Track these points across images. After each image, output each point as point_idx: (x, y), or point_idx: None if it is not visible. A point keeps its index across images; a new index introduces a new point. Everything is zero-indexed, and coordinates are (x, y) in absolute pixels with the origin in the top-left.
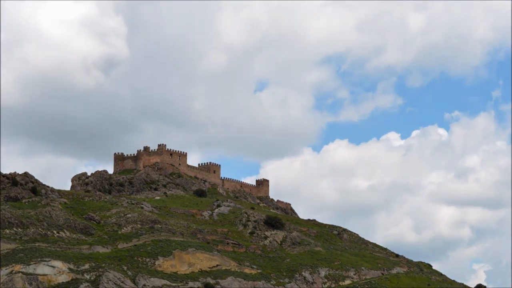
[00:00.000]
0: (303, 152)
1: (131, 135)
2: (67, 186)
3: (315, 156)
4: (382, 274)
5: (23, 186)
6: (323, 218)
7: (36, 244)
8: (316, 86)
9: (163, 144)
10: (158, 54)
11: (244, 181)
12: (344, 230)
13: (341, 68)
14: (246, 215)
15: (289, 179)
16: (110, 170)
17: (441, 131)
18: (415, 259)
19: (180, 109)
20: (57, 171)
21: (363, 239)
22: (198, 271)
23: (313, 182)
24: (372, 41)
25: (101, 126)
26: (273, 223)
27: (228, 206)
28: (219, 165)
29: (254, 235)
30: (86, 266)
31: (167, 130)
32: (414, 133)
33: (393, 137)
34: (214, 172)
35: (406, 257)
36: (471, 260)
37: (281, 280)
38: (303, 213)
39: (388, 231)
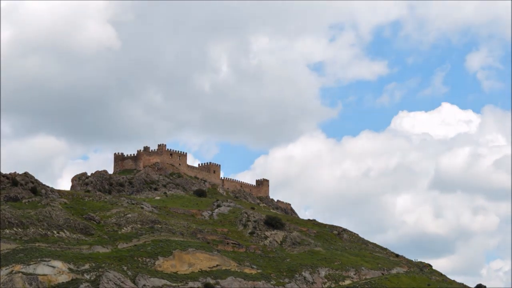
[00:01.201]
0: (317, 136)
1: (128, 103)
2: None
3: (330, 142)
4: (382, 274)
5: (23, 186)
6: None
7: (36, 244)
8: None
9: (163, 144)
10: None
11: (244, 181)
12: (344, 230)
13: (383, 45)
14: (246, 215)
15: (297, 164)
16: (107, 161)
17: (474, 116)
18: (433, 249)
19: (186, 77)
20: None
21: (363, 239)
22: (198, 271)
23: (324, 169)
24: (423, 14)
25: (97, 91)
26: (273, 223)
27: (228, 206)
28: (219, 165)
29: (254, 235)
30: (86, 266)
31: (167, 100)
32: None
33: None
34: (214, 172)
35: (426, 247)
36: (488, 254)
37: (281, 280)
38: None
39: (403, 219)
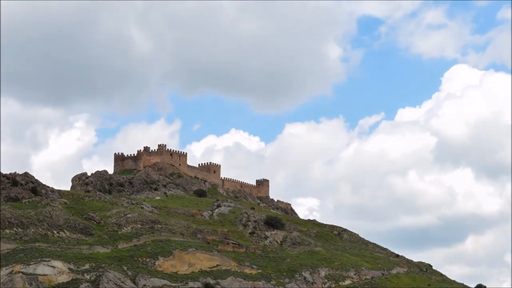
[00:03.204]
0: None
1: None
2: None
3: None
4: (382, 274)
5: (23, 186)
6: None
7: (36, 244)
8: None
9: (163, 144)
10: None
11: (244, 181)
12: (344, 230)
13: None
14: (246, 215)
15: (313, 143)
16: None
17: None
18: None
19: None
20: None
21: (363, 239)
22: (198, 271)
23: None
24: None
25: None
26: (273, 223)
27: (228, 206)
28: (219, 165)
29: (254, 235)
30: (86, 266)
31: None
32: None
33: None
34: (214, 172)
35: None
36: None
37: (281, 280)
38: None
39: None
